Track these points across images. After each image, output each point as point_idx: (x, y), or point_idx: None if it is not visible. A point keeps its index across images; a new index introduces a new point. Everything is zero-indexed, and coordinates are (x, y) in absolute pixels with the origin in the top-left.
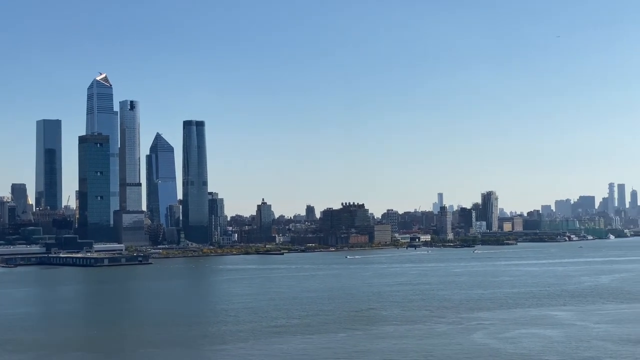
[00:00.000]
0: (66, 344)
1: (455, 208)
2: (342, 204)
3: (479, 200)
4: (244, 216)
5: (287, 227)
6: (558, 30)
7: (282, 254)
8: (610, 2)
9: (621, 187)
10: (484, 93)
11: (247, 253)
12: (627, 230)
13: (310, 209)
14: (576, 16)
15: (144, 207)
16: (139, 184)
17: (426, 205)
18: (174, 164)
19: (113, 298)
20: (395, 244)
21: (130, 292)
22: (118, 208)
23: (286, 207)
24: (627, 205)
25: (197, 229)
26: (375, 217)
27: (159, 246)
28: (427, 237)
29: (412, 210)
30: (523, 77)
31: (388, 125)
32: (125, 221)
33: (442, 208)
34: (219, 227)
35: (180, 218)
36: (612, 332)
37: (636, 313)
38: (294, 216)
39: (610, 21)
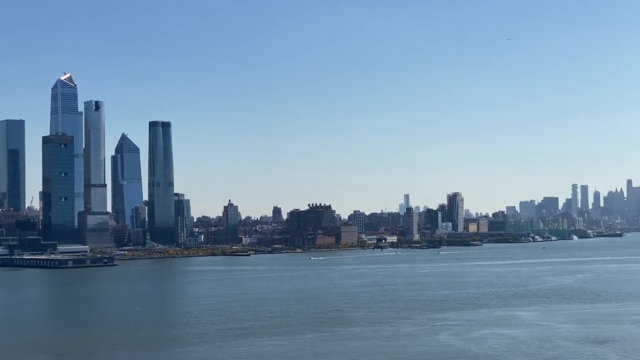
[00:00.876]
0: (30, 347)
1: (421, 209)
2: (308, 205)
3: (445, 202)
4: (211, 217)
5: (253, 228)
6: (527, 32)
7: (249, 255)
8: (573, 6)
9: (584, 189)
10: (451, 95)
11: (213, 254)
12: (589, 231)
13: (277, 210)
14: (543, 20)
15: (109, 209)
16: (104, 185)
17: (393, 206)
18: (140, 164)
19: (78, 300)
20: (361, 245)
21: (95, 294)
22: (82, 209)
23: (253, 208)
24: (590, 207)
25: (163, 230)
26: (342, 218)
27: (124, 248)
28: (394, 238)
29: (379, 212)
30: (490, 80)
31: (355, 126)
32: (90, 222)
33: (409, 209)
34: (185, 229)
35: (146, 219)
36: (576, 332)
37: (599, 313)
38: (261, 217)
39: (575, 25)
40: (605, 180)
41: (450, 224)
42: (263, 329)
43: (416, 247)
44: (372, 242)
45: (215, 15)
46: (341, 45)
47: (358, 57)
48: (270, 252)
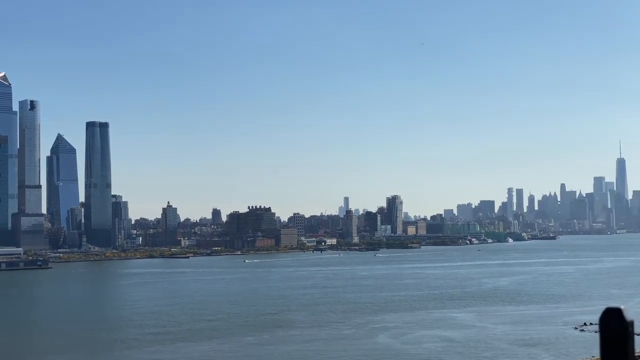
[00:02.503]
0: None
1: (361, 212)
2: (248, 207)
3: (384, 204)
4: (149, 219)
5: (193, 230)
6: (460, 34)
7: (188, 257)
8: (504, 8)
9: (519, 192)
10: (390, 97)
11: (151, 257)
12: (524, 234)
13: (216, 212)
14: (477, 21)
15: (44, 210)
16: (39, 186)
17: (332, 209)
18: (76, 165)
19: (11, 304)
20: (301, 247)
21: (28, 298)
22: (16, 211)
23: (192, 210)
24: (525, 210)
25: (100, 232)
26: (282, 221)
27: (59, 250)
28: (333, 241)
29: (319, 214)
30: (427, 84)
31: (295, 128)
32: (24, 224)
33: (348, 212)
34: (122, 231)
35: (83, 221)
36: (510, 333)
37: (533, 314)
38: (200, 219)
39: (511, 26)
40: (540, 184)
41: (389, 226)
42: (202, 332)
43: (355, 250)
44: (311, 244)
45: (152, 15)
46: (281, 48)
47: (297, 61)
48: (209, 255)
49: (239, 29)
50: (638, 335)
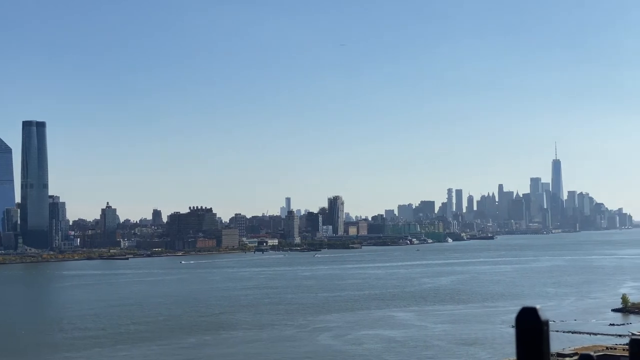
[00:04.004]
0: None
1: (302, 212)
2: (189, 208)
3: (325, 205)
4: (87, 220)
5: (132, 231)
6: (404, 37)
7: (127, 259)
8: (443, 9)
9: (459, 193)
10: (331, 97)
11: (90, 258)
12: (463, 234)
13: (156, 213)
14: (422, 25)
15: None
16: None
17: (274, 209)
18: (12, 165)
19: None
20: (243, 248)
21: None
22: None
23: (132, 211)
24: (464, 210)
25: (37, 233)
26: (223, 221)
27: None
28: (275, 241)
29: (260, 215)
30: (369, 85)
31: (236, 128)
32: None
33: (290, 212)
34: (60, 232)
35: (18, 222)
36: (449, 331)
37: (471, 313)
38: (140, 220)
39: (448, 29)
40: (478, 185)
41: (330, 227)
42: (143, 334)
43: (297, 250)
44: (253, 245)
45: (89, 14)
46: (214, 44)
47: (239, 60)
48: (149, 256)
49: (175, 27)
50: (578, 332)
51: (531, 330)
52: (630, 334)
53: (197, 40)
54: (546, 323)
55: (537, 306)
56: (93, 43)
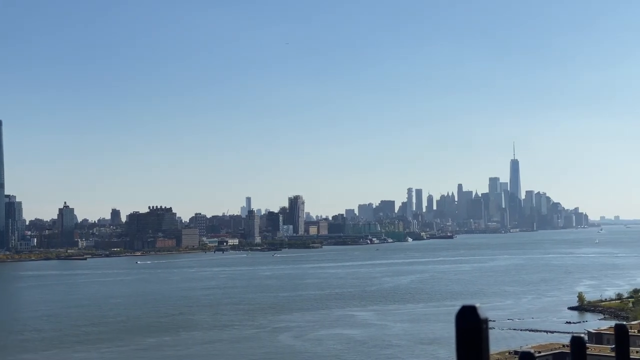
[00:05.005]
0: None
1: (263, 212)
2: (149, 207)
3: (286, 205)
4: (45, 220)
5: (90, 231)
6: (359, 35)
7: (85, 259)
8: (402, 9)
9: (419, 192)
10: (291, 99)
11: (47, 258)
12: (423, 233)
13: (115, 213)
14: (375, 22)
15: None
16: None
17: (234, 209)
18: None
19: None
20: (203, 247)
21: None
22: None
23: (90, 210)
24: (424, 210)
25: None
26: (183, 221)
27: None
28: (235, 241)
29: (221, 214)
30: (327, 84)
31: (196, 127)
32: None
33: (250, 212)
34: (16, 232)
35: None
36: (409, 330)
37: (431, 312)
38: (99, 220)
39: (407, 29)
40: (438, 185)
41: (291, 226)
42: (101, 335)
43: (257, 250)
44: (213, 244)
45: (49, 13)
46: (178, 46)
47: (201, 60)
48: (108, 256)
49: (136, 28)
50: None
51: (470, 328)
52: (586, 331)
53: (157, 41)
54: (485, 321)
55: (477, 304)
56: (51, 42)
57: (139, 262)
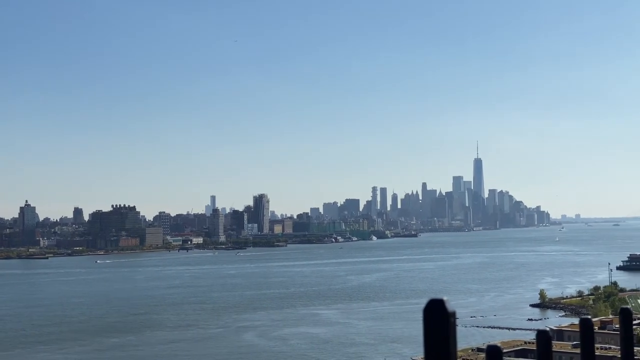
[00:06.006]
0: None
1: (227, 210)
2: (112, 206)
3: (251, 203)
4: (5, 219)
5: (52, 230)
6: (325, 35)
7: (47, 258)
8: (364, 11)
9: (383, 191)
10: (254, 96)
11: (8, 258)
12: (388, 232)
13: (78, 211)
14: (339, 21)
15: None
16: None
17: (199, 207)
18: None
19: None
20: (167, 246)
21: None
22: None
23: (52, 209)
24: (389, 208)
25: None
26: (147, 220)
27: None
28: (200, 240)
29: (185, 213)
30: (292, 82)
31: (160, 126)
32: None
33: (215, 210)
34: None
35: None
36: (373, 329)
37: (396, 310)
38: (61, 219)
39: (370, 30)
40: (403, 184)
41: (256, 225)
42: (64, 334)
43: (222, 249)
44: (177, 243)
45: (11, 12)
46: (143, 40)
47: (162, 58)
48: (70, 255)
49: (96, 25)
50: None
51: (438, 321)
52: (548, 328)
53: (115, 38)
54: (453, 314)
55: (445, 298)
56: (6, 35)
57: (98, 262)
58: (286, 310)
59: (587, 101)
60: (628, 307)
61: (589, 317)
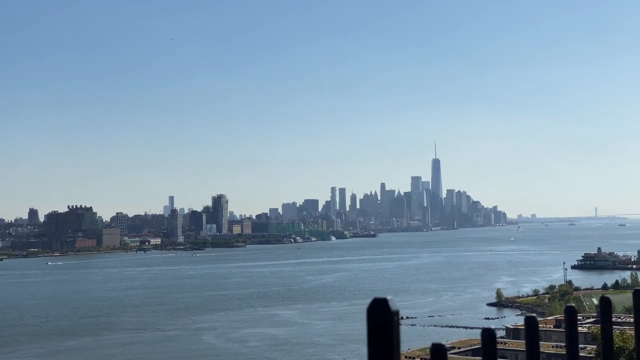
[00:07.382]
0: None
1: (186, 211)
2: (68, 206)
3: (209, 203)
4: None
5: (7, 231)
6: (283, 38)
7: (2, 259)
8: (326, 12)
9: (342, 191)
10: (212, 96)
11: None
12: (346, 232)
13: (33, 212)
14: (298, 24)
15: None
16: None
17: (157, 208)
18: None
19: None
20: (124, 247)
21: None
22: None
23: (6, 210)
24: (348, 208)
25: None
26: (104, 220)
27: None
28: (158, 241)
29: (143, 213)
30: (250, 85)
31: (117, 125)
32: None
33: (173, 211)
34: None
35: None
36: (333, 329)
37: (355, 310)
38: (15, 220)
39: (334, 31)
40: (362, 184)
41: (214, 225)
42: (20, 336)
43: (181, 249)
44: (135, 244)
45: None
46: (113, 44)
47: (119, 56)
48: (25, 256)
49: (69, 25)
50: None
51: (382, 320)
52: (504, 327)
53: (83, 36)
54: (396, 313)
55: (388, 297)
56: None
57: (49, 263)
58: (245, 310)
59: (545, 104)
60: (572, 305)
61: (534, 315)
